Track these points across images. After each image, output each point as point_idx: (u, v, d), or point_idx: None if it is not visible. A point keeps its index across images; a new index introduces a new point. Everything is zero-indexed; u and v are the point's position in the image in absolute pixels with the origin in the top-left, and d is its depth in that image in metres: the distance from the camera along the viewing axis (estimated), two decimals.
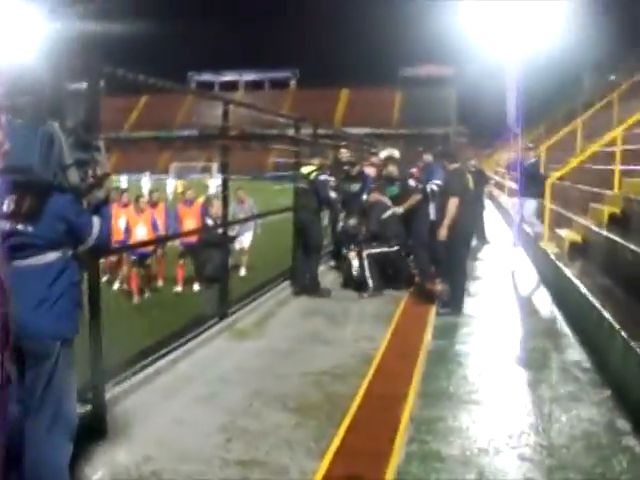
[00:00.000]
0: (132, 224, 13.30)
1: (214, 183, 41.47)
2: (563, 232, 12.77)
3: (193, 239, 13.09)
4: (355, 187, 12.64)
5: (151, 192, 16.15)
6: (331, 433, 5.52)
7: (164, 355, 7.05)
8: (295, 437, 5.45)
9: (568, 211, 13.94)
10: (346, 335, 8.58)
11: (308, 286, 11.10)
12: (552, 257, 11.57)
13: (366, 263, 10.96)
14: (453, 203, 9.57)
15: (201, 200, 14.47)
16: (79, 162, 4.02)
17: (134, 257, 13.41)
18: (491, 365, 7.52)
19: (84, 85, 4.87)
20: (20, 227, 3.82)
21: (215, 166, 53.17)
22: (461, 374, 7.19)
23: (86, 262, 4.57)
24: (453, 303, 9.77)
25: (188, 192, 15.28)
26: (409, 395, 6.40)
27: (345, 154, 13.56)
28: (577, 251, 11.61)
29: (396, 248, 11.34)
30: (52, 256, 3.92)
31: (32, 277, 3.84)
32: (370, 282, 10.92)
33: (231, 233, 10.47)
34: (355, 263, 11.15)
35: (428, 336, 8.58)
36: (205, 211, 13.76)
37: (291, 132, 12.46)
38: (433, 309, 9.87)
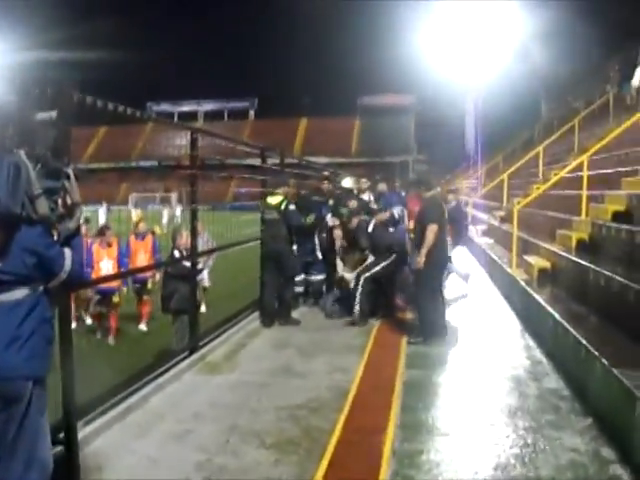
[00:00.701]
0: (97, 258, 12.47)
1: (170, 213, 41.16)
2: (531, 259, 12.74)
3: (147, 274, 13.03)
4: (310, 219, 12.43)
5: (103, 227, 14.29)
6: (312, 469, 5.35)
7: (134, 391, 6.83)
8: (276, 474, 5.27)
9: (535, 237, 13.91)
10: (319, 367, 8.37)
11: (279, 314, 11.06)
12: (522, 284, 11.52)
13: (360, 289, 10.79)
14: (432, 230, 9.46)
15: (159, 231, 14.09)
16: (48, 191, 3.80)
17: (97, 296, 12.76)
18: (468, 395, 7.39)
19: (52, 111, 4.65)
20: None
21: (174, 197, 52.89)
22: (439, 405, 7.06)
23: (57, 297, 4.34)
24: (423, 332, 9.66)
25: (140, 225, 14.38)
26: (389, 428, 6.25)
27: (326, 186, 13.57)
28: (546, 277, 11.58)
29: (393, 257, 11.11)
30: (22, 292, 3.70)
31: (1, 315, 3.61)
32: (357, 308, 10.77)
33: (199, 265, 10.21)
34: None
35: (402, 367, 8.43)
36: (155, 245, 13.43)
37: (256, 161, 12.30)
38: (404, 338, 9.74)
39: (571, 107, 32.55)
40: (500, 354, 9.04)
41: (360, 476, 5.30)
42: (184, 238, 9.80)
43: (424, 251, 9.44)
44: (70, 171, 4.00)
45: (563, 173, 14.04)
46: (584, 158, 13.02)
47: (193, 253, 8.88)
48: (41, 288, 3.82)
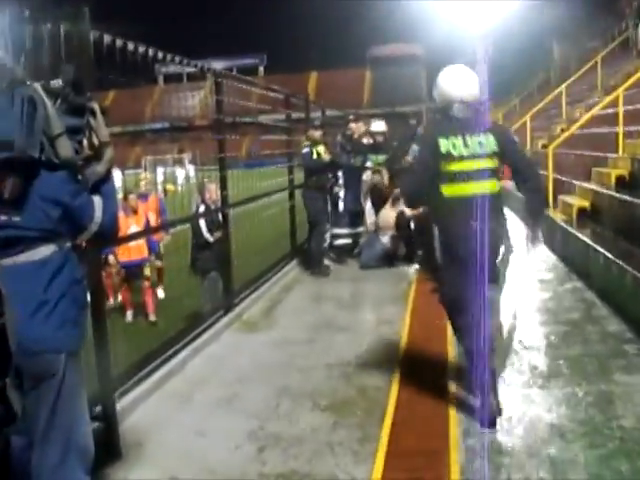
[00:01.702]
0: (123, 228, 9.57)
1: (182, 174, 40.52)
2: (568, 198, 12.20)
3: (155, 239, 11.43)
4: (358, 161, 11.79)
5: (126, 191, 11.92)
6: (375, 432, 4.88)
7: (171, 357, 6.35)
8: (336, 440, 4.80)
9: (567, 178, 13.29)
10: (363, 320, 7.93)
11: (310, 264, 10.78)
12: (562, 224, 11.01)
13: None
14: None
15: (172, 188, 12.99)
16: (71, 130, 3.17)
17: (123, 268, 10.63)
18: (527, 342, 6.89)
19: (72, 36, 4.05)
20: (3, 218, 3.02)
21: (187, 157, 52.34)
22: (498, 353, 6.55)
23: (87, 254, 3.80)
24: None
25: (142, 184, 12.37)
26: (451, 383, 5.78)
27: (356, 127, 12.41)
28: (586, 216, 11.07)
29: None
30: (47, 250, 3.11)
31: (25, 277, 3.05)
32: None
33: (208, 236, 9.56)
34: None
35: None
36: (161, 205, 12.23)
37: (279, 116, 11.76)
38: None
39: (587, 47, 31.89)
40: (550, 298, 8.52)
41: (429, 436, 4.83)
42: (213, 192, 9.19)
43: None
44: (95, 106, 3.35)
45: (596, 110, 13.41)
46: (619, 92, 12.45)
47: (224, 204, 8.34)
48: (69, 244, 3.24)
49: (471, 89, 5.26)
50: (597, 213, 10.84)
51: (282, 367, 6.40)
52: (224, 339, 7.38)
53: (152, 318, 10.12)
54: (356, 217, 11.95)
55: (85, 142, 3.29)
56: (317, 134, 11.04)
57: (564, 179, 13.24)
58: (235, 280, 8.51)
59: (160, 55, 5.93)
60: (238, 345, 7.19)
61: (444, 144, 5.06)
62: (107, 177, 3.41)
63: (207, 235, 9.18)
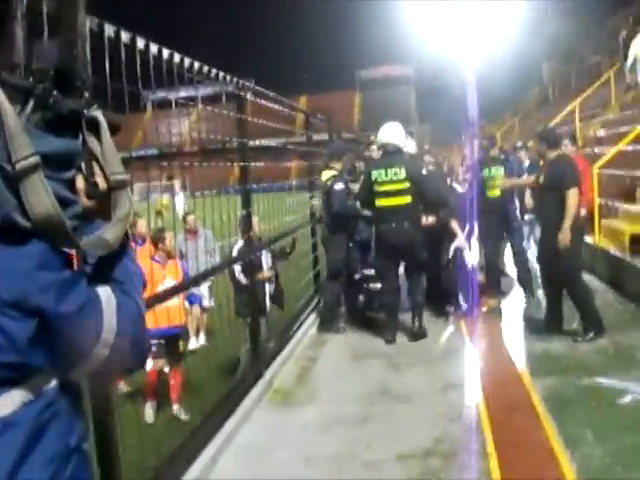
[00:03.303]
0: (154, 280, 6.27)
1: (179, 201, 38.72)
2: (615, 223, 10.92)
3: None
4: None
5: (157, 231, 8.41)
6: None
7: (197, 451, 4.87)
8: None
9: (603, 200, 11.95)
10: (422, 384, 6.40)
11: (321, 319, 8.92)
12: (615, 254, 9.83)
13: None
14: (573, 196, 7.46)
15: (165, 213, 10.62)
16: (55, 160, 1.44)
17: (155, 341, 7.04)
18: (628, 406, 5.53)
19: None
20: None
21: (178, 183, 51.05)
22: (611, 423, 5.16)
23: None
24: (593, 324, 7.57)
25: (138, 223, 8.33)
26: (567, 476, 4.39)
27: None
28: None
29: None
30: (12, 400, 1.36)
31: None
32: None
33: (242, 278, 7.39)
34: None
35: (527, 372, 6.52)
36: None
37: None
38: (510, 330, 8.01)
39: (588, 63, 31.23)
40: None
41: None
42: (256, 226, 7.22)
43: (568, 223, 7.40)
44: (100, 117, 1.60)
45: None
46: None
47: (250, 244, 6.91)
48: (53, 384, 1.45)
49: (395, 138, 8.15)
50: None
51: (340, 462, 4.86)
52: (257, 419, 5.79)
53: (176, 411, 7.08)
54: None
55: (81, 184, 1.57)
56: (338, 166, 9.05)
57: (603, 202, 11.90)
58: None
59: (181, 60, 4.50)
60: (275, 429, 5.61)
61: (374, 174, 8.05)
62: (123, 250, 1.64)
63: (241, 277, 7.45)
